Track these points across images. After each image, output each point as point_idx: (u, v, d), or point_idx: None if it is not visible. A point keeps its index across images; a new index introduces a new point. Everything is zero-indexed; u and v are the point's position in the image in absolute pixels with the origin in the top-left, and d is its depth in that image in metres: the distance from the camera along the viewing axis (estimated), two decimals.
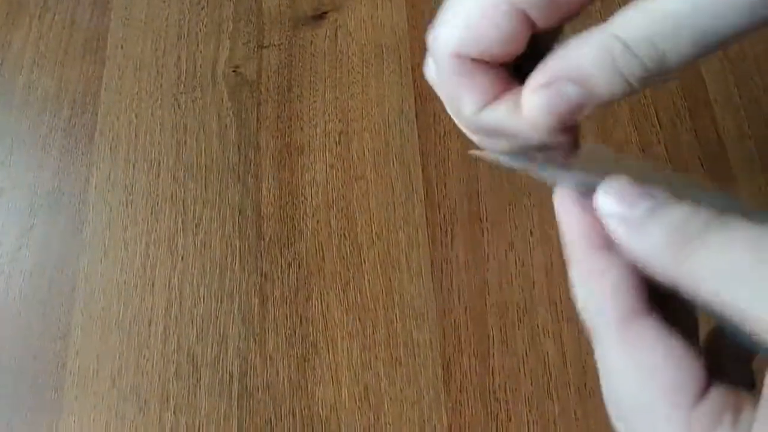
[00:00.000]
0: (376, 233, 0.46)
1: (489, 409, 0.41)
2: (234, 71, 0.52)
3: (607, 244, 0.20)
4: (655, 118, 0.48)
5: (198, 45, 0.53)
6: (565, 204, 0.21)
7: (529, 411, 0.41)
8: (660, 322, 0.19)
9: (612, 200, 0.20)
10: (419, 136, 0.49)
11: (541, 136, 0.21)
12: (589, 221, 0.21)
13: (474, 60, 0.21)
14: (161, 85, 0.52)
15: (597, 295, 0.20)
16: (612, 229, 0.20)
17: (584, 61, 0.19)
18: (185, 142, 0.50)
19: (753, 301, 0.17)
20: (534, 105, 0.20)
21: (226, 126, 0.50)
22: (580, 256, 0.21)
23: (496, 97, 0.21)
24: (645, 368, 0.19)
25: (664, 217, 0.19)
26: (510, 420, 0.41)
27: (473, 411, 0.41)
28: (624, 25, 0.19)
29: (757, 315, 0.17)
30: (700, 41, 0.18)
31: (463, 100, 0.21)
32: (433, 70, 0.23)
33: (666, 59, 0.18)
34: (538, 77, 0.20)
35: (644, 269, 0.19)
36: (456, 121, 0.23)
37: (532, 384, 0.41)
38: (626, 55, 0.18)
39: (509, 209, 0.46)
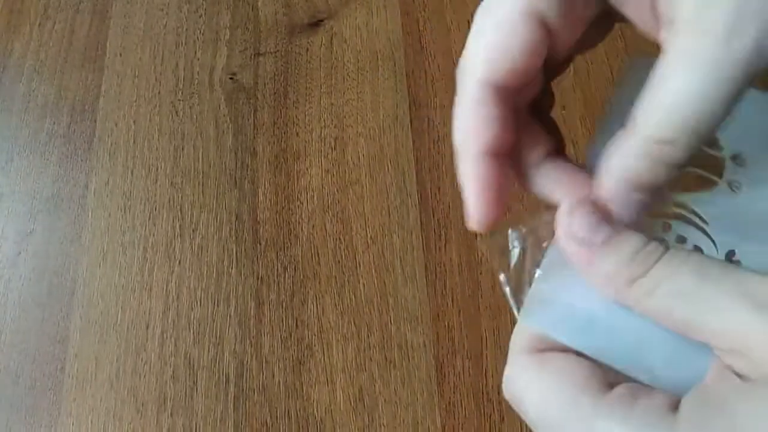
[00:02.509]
0: (370, 237, 0.47)
1: (482, 410, 0.42)
2: (231, 78, 0.53)
3: None
4: None
5: (195, 52, 0.54)
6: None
7: None
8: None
9: (577, 222, 0.21)
10: (413, 142, 0.49)
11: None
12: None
13: (498, 94, 0.22)
14: (159, 92, 0.53)
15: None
16: (570, 250, 0.21)
17: (634, 171, 0.21)
18: (183, 148, 0.51)
19: (700, 316, 0.19)
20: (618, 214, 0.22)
21: (223, 132, 0.51)
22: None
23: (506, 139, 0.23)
24: (555, 372, 0.21)
25: (620, 247, 0.20)
26: (503, 421, 0.41)
27: (467, 412, 0.42)
28: (650, 122, 0.20)
29: (707, 328, 0.19)
30: (726, 105, 0.19)
31: (482, 132, 0.22)
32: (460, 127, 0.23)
33: (701, 131, 0.19)
34: (602, 190, 0.22)
35: (598, 289, 0.21)
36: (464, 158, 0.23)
37: None
38: (665, 149, 0.20)
39: None
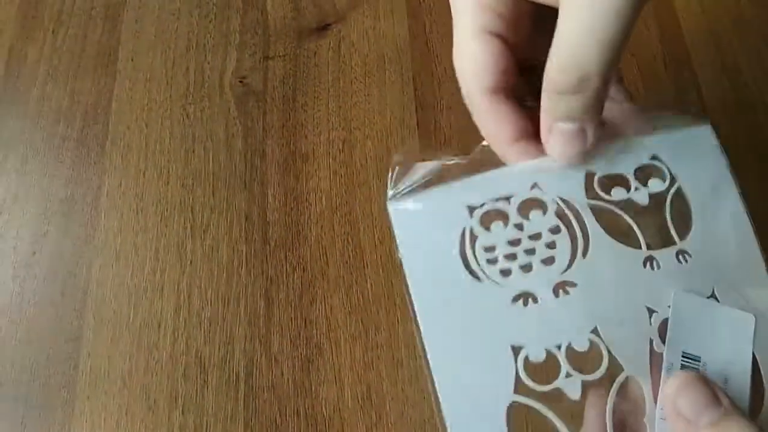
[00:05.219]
0: (378, 238, 0.47)
1: None
2: (241, 82, 0.54)
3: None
4: None
5: (206, 56, 0.55)
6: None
7: None
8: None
9: (684, 400, 0.22)
10: (420, 144, 0.50)
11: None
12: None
13: (497, 94, 0.27)
14: (170, 96, 0.54)
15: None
16: (674, 425, 0.23)
17: (549, 104, 0.26)
18: (194, 150, 0.52)
19: None
20: (555, 148, 0.27)
21: (233, 135, 0.52)
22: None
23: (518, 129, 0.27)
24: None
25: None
26: None
27: None
28: (551, 65, 0.24)
29: None
30: (607, 37, 0.22)
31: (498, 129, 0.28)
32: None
33: (587, 61, 0.23)
34: (543, 127, 0.26)
35: None
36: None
37: None
38: (562, 80, 0.24)
39: None
